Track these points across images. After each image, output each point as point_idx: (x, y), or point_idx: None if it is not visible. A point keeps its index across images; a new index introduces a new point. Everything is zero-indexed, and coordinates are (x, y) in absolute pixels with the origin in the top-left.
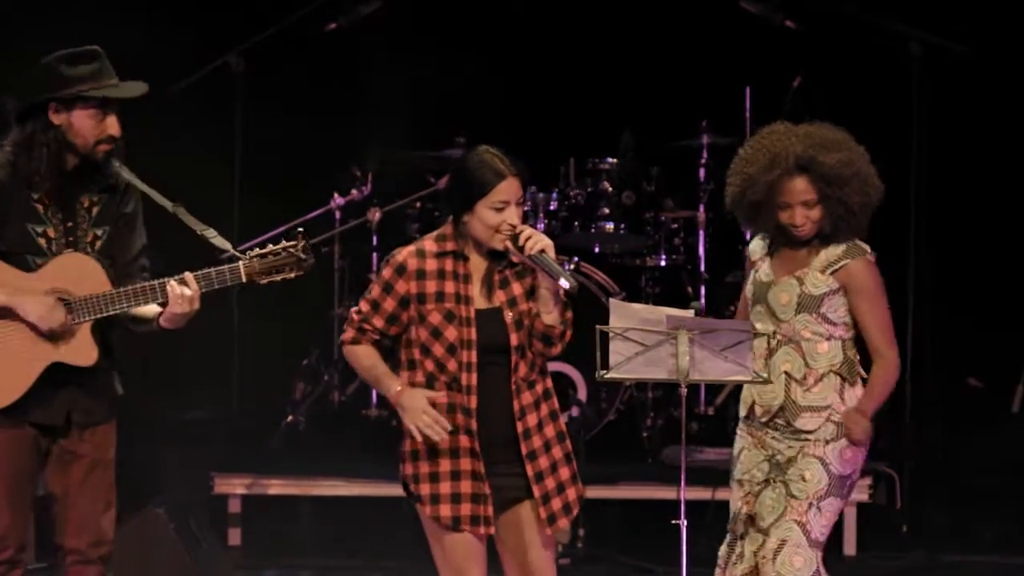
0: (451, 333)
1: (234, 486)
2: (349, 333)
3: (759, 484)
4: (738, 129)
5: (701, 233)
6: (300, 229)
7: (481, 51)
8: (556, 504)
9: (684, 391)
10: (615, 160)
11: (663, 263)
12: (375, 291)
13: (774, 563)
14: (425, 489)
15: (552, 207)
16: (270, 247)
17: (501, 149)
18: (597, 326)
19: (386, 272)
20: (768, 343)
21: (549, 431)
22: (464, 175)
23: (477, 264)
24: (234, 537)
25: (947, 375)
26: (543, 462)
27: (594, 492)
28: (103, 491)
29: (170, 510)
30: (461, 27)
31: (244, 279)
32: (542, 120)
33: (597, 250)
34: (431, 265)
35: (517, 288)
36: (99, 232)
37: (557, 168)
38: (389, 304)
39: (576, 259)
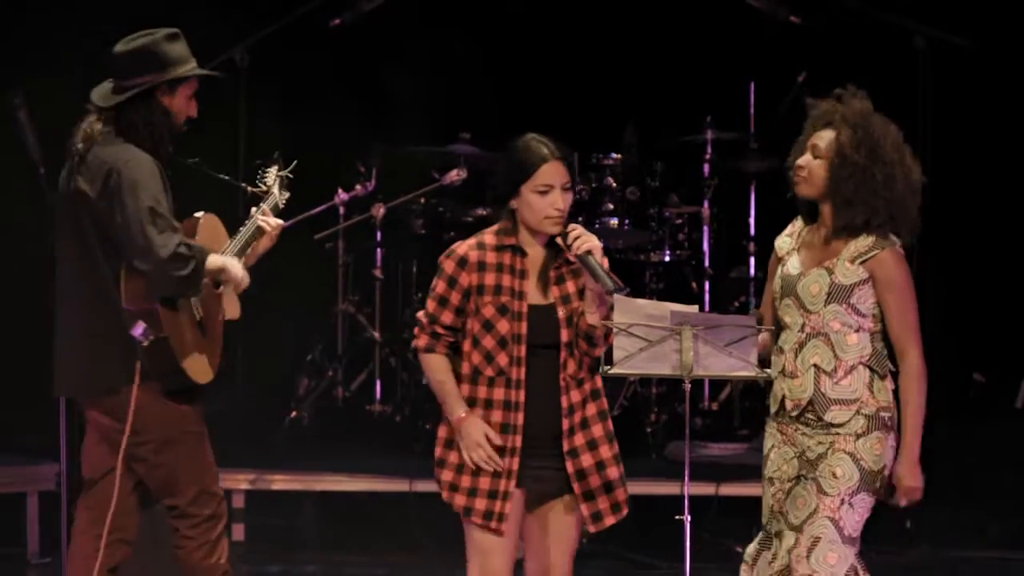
0: (503, 326)
1: (238, 481)
2: (423, 340)
3: (789, 481)
4: (742, 124)
5: (705, 228)
6: (276, 154)
7: (485, 46)
8: (603, 503)
9: (688, 386)
10: (619, 156)
11: (667, 258)
12: (440, 287)
13: (808, 561)
14: (447, 476)
15: None
16: (269, 177)
17: (550, 136)
18: (601, 321)
19: (448, 266)
20: (798, 336)
21: (597, 430)
22: (509, 160)
23: (534, 259)
24: (237, 532)
25: (952, 371)
26: (586, 460)
27: None
28: None
29: None
30: (465, 22)
31: (281, 205)
32: (546, 115)
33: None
34: (491, 258)
35: (571, 286)
36: None
37: None
38: (455, 298)
39: None
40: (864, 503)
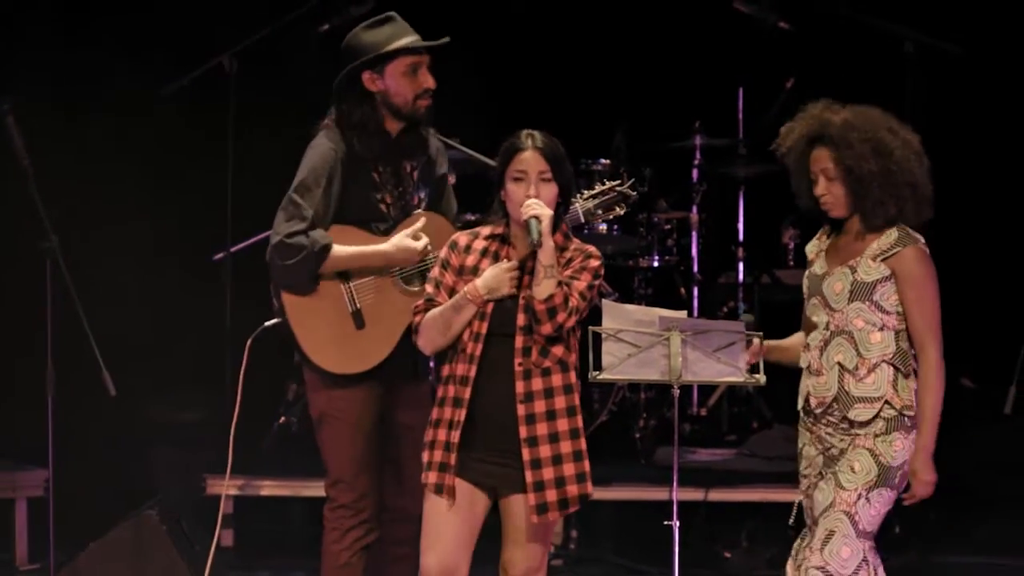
0: None
1: (226, 487)
2: (416, 318)
3: (816, 478)
4: (731, 130)
5: (694, 234)
6: (622, 170)
7: (475, 51)
8: (551, 495)
9: (676, 392)
10: (608, 161)
11: (656, 264)
12: (435, 271)
13: (822, 553)
14: (425, 456)
15: None
16: (598, 187)
17: (546, 130)
18: (590, 327)
19: (443, 251)
20: (823, 334)
21: (561, 424)
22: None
23: (520, 251)
24: (227, 538)
25: None
26: (544, 451)
27: None
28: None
29: (163, 511)
30: (454, 27)
31: (582, 219)
32: (534, 121)
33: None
34: (479, 244)
35: None
36: (422, 195)
37: None
38: (449, 278)
39: None
40: (882, 498)
